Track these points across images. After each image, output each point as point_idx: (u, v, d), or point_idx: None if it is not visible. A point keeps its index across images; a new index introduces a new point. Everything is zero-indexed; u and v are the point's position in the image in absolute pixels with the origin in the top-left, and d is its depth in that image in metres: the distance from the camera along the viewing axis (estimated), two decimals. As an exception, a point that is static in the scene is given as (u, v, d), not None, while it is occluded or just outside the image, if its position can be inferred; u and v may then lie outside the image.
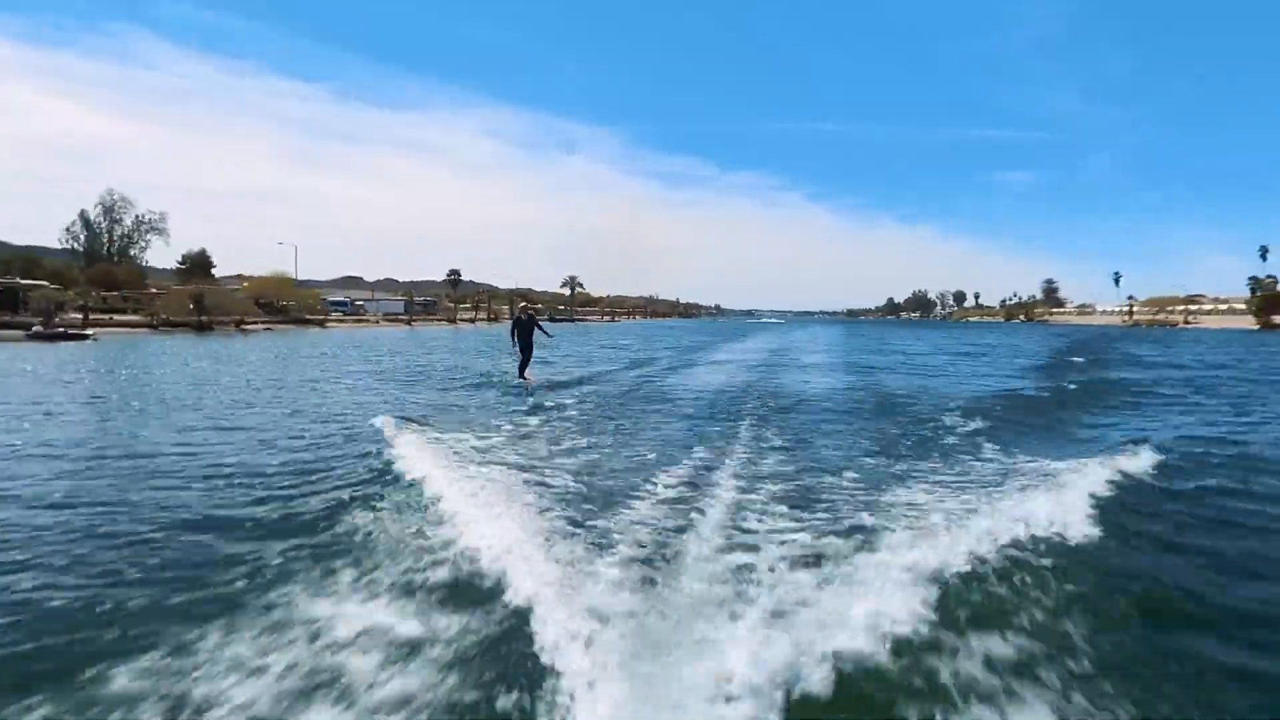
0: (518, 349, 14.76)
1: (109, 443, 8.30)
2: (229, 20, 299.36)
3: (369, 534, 4.71)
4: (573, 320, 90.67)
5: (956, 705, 2.79)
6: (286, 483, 6.26)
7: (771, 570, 4.03)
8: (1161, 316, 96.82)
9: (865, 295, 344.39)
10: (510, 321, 15.14)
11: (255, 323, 49.07)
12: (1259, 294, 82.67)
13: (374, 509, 5.23)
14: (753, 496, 5.77)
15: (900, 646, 3.06)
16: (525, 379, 14.60)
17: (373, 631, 3.33)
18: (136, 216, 64.77)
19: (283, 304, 57.60)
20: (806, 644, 3.04)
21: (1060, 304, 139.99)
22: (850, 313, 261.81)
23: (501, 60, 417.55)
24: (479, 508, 5.10)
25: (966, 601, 3.53)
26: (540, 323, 15.74)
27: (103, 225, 64.03)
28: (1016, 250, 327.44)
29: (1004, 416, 10.69)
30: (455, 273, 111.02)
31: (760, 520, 5.08)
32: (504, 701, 2.82)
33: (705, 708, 2.69)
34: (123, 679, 3.00)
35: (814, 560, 4.17)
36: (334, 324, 58.19)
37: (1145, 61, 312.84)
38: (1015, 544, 4.24)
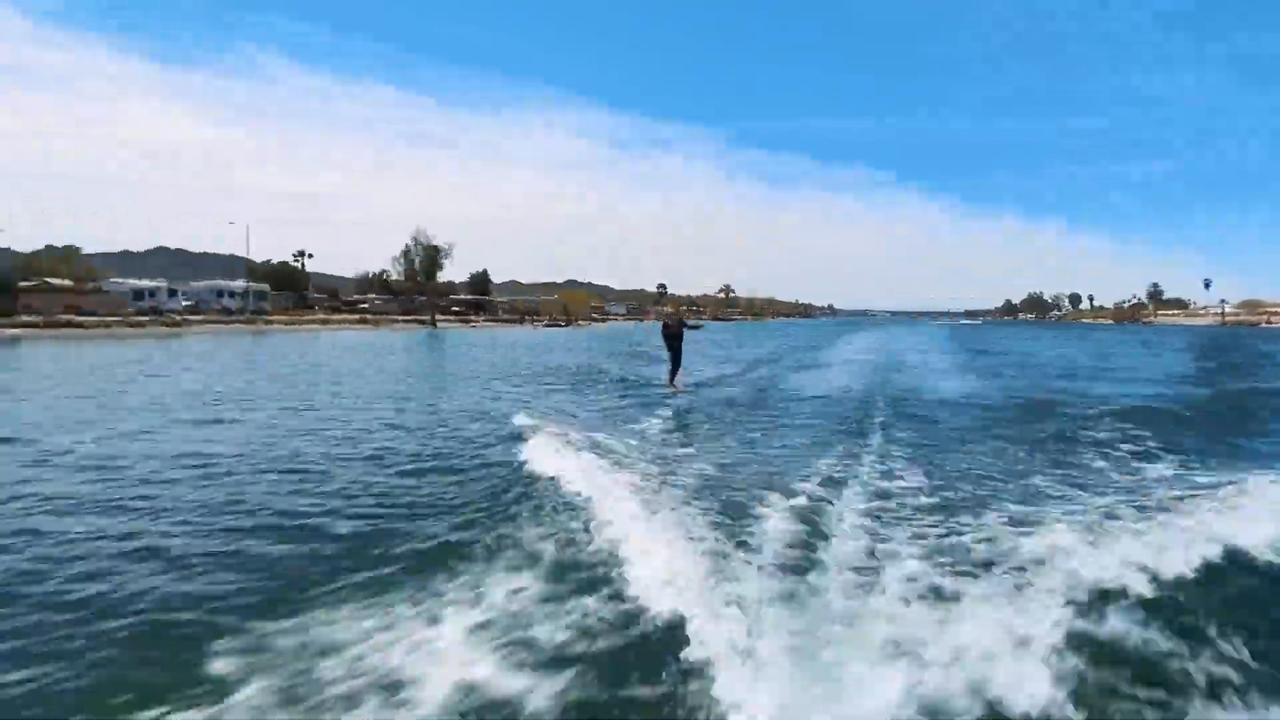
0: (667, 355, 14.48)
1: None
2: (343, 38, 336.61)
3: (520, 529, 4.94)
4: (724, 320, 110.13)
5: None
6: (429, 469, 6.99)
7: (912, 581, 3.95)
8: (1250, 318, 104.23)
9: (983, 295, 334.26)
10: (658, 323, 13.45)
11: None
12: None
13: (525, 506, 5.49)
14: (888, 504, 5.71)
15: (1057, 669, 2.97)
16: (673, 385, 14.24)
17: (527, 628, 3.48)
18: (436, 246, 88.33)
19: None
20: (963, 663, 3.01)
21: (1165, 305, 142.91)
22: (969, 313, 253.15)
23: (597, 61, 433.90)
24: (626, 508, 5.18)
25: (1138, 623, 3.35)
26: (687, 322, 15.36)
27: (415, 252, 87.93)
28: (1149, 245, 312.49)
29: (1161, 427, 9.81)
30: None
31: (899, 527, 5.05)
32: (653, 701, 2.92)
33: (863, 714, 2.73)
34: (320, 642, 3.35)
35: (963, 571, 4.08)
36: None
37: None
38: (1197, 568, 3.90)
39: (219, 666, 3.21)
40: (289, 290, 74.83)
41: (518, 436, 8.28)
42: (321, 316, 61.06)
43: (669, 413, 11.16)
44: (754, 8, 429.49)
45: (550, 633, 3.45)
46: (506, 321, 73.05)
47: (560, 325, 73.41)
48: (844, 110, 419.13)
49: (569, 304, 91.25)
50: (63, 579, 4.31)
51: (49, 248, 68.97)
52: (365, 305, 74.33)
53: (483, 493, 6.07)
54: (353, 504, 5.85)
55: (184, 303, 57.30)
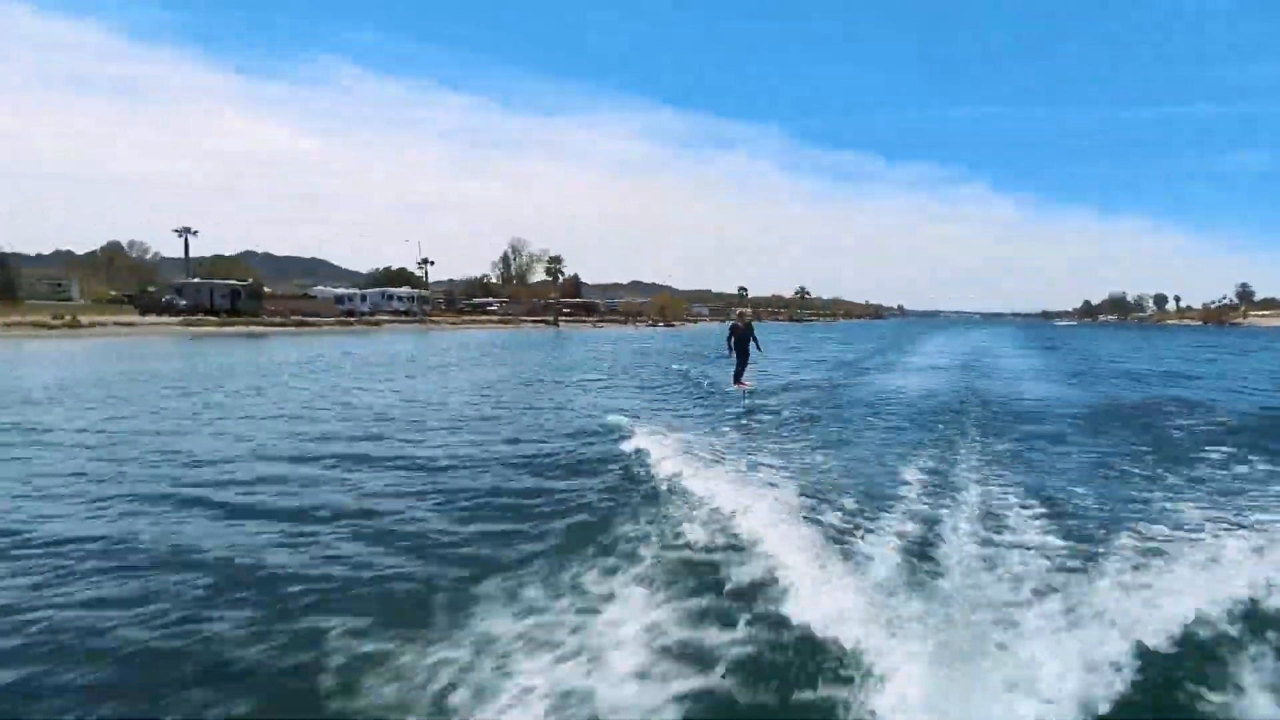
0: (734, 356, 14.66)
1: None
2: (408, 44, 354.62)
3: (624, 525, 5.44)
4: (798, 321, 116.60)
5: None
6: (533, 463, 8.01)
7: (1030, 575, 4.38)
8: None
9: (1062, 295, 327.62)
10: (728, 326, 14.87)
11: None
12: None
13: (615, 504, 6.07)
14: (990, 504, 6.06)
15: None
16: (741, 385, 14.67)
17: (654, 627, 3.75)
18: (529, 253, 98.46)
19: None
20: (1095, 646, 3.35)
21: (1256, 306, 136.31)
22: (1045, 314, 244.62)
23: (659, 61, 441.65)
24: (723, 503, 5.67)
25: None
26: (755, 332, 15.02)
27: (512, 258, 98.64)
28: (1242, 241, 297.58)
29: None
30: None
31: (998, 530, 5.34)
32: (797, 694, 3.19)
33: (1000, 707, 2.95)
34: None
35: (1078, 568, 4.47)
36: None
37: None
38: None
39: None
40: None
41: (623, 436, 9.31)
42: (470, 318, 71.22)
43: (747, 414, 12.37)
44: (810, 3, 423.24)
45: (685, 633, 3.70)
46: (614, 322, 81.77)
47: (656, 325, 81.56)
48: (910, 103, 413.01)
49: (664, 306, 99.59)
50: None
51: (218, 256, 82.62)
52: (495, 308, 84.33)
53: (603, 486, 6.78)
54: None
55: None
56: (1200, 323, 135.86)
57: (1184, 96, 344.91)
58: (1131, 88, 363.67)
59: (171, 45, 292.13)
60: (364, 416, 11.86)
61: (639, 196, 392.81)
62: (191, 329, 41.92)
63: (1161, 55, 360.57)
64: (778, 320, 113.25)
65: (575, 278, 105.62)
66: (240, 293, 55.70)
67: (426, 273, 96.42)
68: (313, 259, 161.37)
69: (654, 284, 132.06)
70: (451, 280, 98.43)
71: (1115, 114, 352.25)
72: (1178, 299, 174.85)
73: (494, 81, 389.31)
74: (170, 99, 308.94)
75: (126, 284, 69.02)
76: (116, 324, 40.63)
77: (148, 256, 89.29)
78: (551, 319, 78.94)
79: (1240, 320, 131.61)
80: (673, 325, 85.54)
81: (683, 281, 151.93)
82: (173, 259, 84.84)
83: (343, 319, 57.46)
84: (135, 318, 44.43)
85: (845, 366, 23.45)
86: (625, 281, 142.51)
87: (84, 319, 39.63)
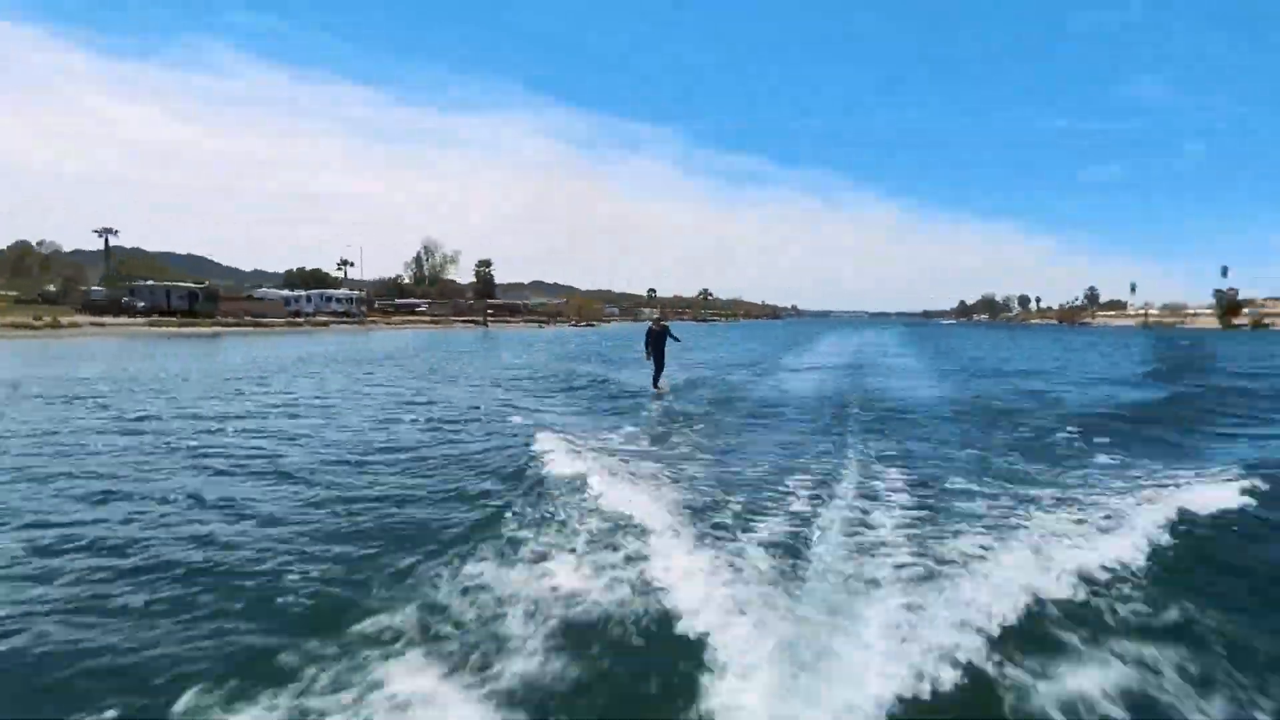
0: (651, 360, 15.03)
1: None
2: (297, 30, 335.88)
3: (521, 525, 5.51)
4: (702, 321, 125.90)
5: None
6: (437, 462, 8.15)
7: (886, 571, 4.56)
8: (1171, 319, 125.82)
9: (944, 296, 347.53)
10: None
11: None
12: (1225, 302, 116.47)
13: (521, 504, 6.12)
14: (864, 501, 6.42)
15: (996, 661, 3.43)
16: (658, 388, 14.98)
17: (536, 613, 3.94)
18: (443, 254, 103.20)
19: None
20: (929, 649, 3.46)
21: (1103, 308, 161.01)
22: (926, 314, 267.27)
23: (558, 59, 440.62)
24: (621, 505, 5.78)
25: (1066, 621, 3.88)
26: (670, 330, 15.61)
27: (425, 258, 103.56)
28: (1101, 248, 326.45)
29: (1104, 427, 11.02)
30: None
31: (871, 526, 5.62)
32: (655, 682, 3.36)
33: (842, 696, 3.08)
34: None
35: (925, 571, 4.59)
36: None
37: (1236, 43, 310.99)
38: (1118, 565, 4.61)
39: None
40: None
41: (527, 436, 9.33)
42: (401, 318, 75.55)
43: (658, 415, 12.27)
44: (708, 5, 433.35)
45: (558, 625, 3.83)
46: (536, 322, 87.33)
47: (578, 325, 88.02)
48: (802, 111, 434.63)
49: (581, 307, 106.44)
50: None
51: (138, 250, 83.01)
52: (424, 308, 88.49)
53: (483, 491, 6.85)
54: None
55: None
56: (1056, 322, 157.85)
57: (1050, 112, 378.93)
58: (1007, 101, 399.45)
59: (28, 21, 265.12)
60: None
61: (542, 196, 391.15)
62: (157, 329, 45.35)
63: (1034, 72, 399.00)
64: (683, 320, 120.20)
65: (491, 278, 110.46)
66: (199, 295, 58.91)
67: (345, 273, 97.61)
68: (189, 255, 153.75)
69: (555, 284, 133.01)
70: (362, 280, 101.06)
71: (990, 125, 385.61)
72: (1039, 300, 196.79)
73: (393, 73, 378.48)
74: (26, 80, 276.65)
75: (36, 283, 67.46)
76: (92, 324, 43.77)
77: (59, 253, 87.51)
78: (480, 319, 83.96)
79: (1089, 320, 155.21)
80: (593, 324, 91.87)
81: (586, 281, 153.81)
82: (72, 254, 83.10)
83: (291, 320, 61.25)
84: (107, 319, 47.26)
85: (746, 366, 24.97)
86: (527, 281, 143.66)
87: (64, 320, 42.62)
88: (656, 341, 15.00)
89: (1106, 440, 9.94)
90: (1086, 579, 4.41)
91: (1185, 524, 5.56)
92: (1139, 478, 7.59)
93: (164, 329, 45.19)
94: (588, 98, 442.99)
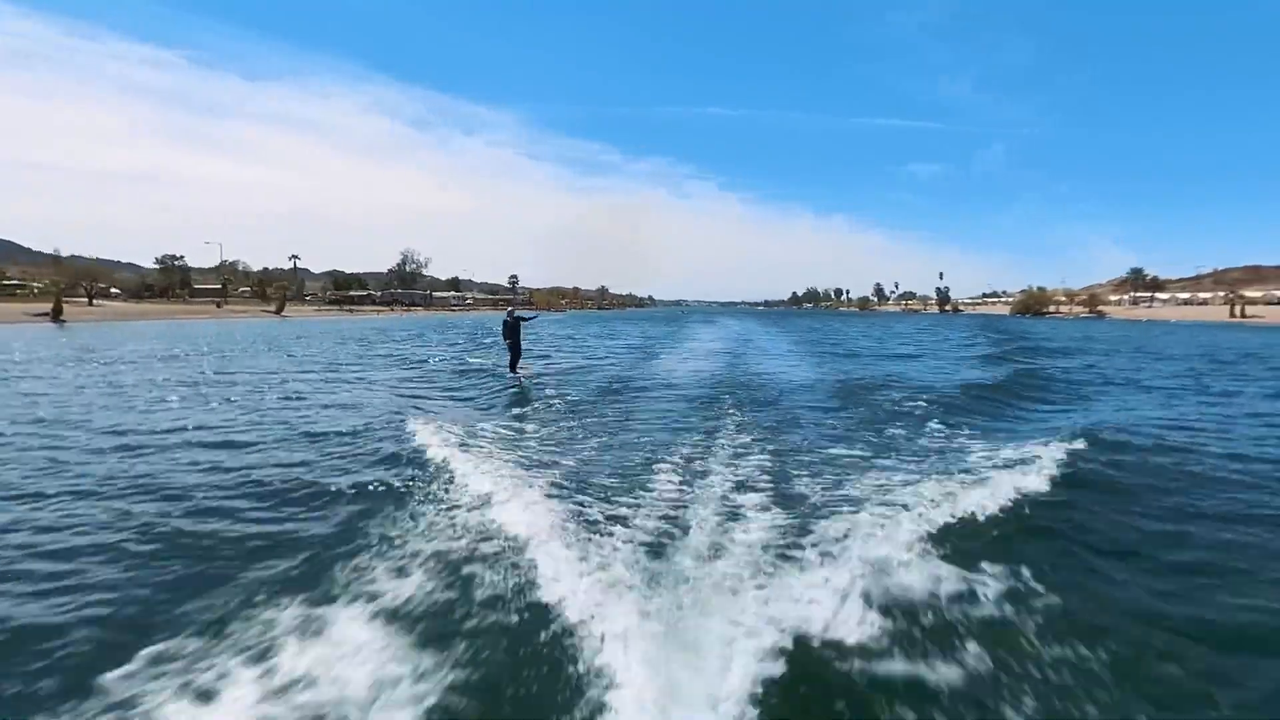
0: (508, 348, 15.73)
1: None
2: None
3: (389, 517, 5.34)
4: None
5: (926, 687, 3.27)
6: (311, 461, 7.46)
7: (755, 551, 4.61)
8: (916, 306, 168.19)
9: (783, 287, 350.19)
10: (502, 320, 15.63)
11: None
12: (1022, 294, 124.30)
13: (388, 492, 6.03)
14: (738, 481, 6.45)
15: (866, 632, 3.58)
16: (517, 373, 15.43)
17: (402, 612, 3.83)
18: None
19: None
20: (793, 625, 3.56)
21: (887, 300, 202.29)
22: (766, 303, 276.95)
23: (384, 30, 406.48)
24: (489, 492, 5.70)
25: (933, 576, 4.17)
26: (523, 316, 16.45)
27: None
28: (923, 242, 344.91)
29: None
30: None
31: (735, 509, 5.59)
32: (538, 680, 3.27)
33: (714, 670, 3.19)
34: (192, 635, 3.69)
35: (791, 545, 4.71)
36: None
37: (1042, 51, 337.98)
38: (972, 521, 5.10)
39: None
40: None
41: (402, 422, 9.20)
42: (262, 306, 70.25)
43: (523, 400, 12.25)
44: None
45: (437, 618, 3.78)
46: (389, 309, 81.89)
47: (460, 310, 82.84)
48: (643, 99, 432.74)
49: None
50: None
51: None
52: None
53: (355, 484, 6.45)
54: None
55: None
56: (857, 310, 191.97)
57: (879, 110, 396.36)
58: (837, 99, 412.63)
59: None
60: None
61: (380, 180, 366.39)
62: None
63: (862, 71, 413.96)
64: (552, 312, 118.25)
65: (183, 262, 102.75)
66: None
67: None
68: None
69: (414, 272, 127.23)
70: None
71: (825, 121, 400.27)
72: (847, 291, 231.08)
73: (185, 34, 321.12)
74: None
75: None
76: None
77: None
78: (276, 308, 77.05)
79: (877, 307, 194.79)
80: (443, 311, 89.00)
81: (440, 270, 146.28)
82: None
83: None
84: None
85: (619, 355, 24.46)
86: (383, 270, 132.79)
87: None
88: (513, 332, 15.82)
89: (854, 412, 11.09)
90: (927, 550, 4.66)
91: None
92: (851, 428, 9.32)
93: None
94: (420, 74, 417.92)
